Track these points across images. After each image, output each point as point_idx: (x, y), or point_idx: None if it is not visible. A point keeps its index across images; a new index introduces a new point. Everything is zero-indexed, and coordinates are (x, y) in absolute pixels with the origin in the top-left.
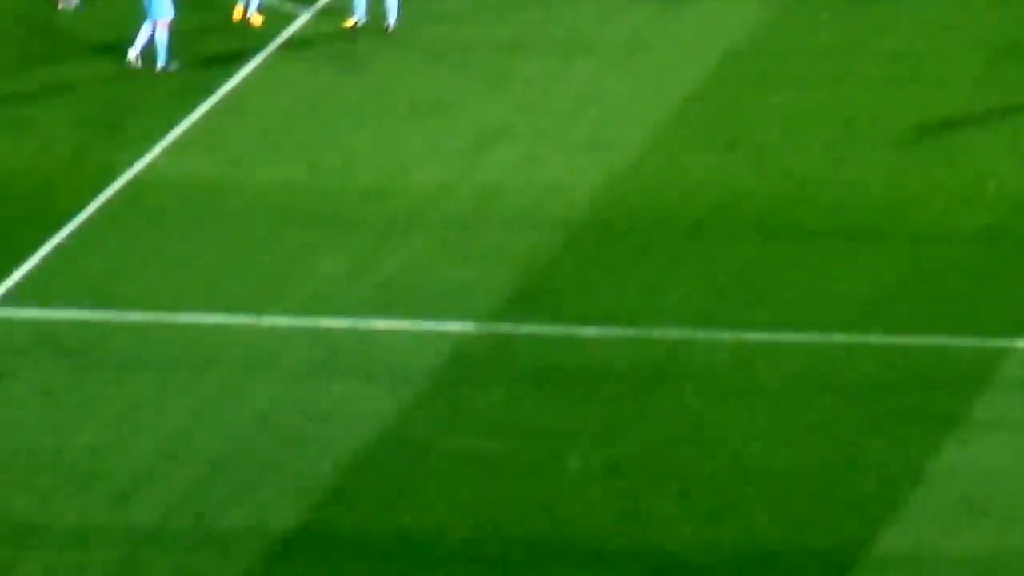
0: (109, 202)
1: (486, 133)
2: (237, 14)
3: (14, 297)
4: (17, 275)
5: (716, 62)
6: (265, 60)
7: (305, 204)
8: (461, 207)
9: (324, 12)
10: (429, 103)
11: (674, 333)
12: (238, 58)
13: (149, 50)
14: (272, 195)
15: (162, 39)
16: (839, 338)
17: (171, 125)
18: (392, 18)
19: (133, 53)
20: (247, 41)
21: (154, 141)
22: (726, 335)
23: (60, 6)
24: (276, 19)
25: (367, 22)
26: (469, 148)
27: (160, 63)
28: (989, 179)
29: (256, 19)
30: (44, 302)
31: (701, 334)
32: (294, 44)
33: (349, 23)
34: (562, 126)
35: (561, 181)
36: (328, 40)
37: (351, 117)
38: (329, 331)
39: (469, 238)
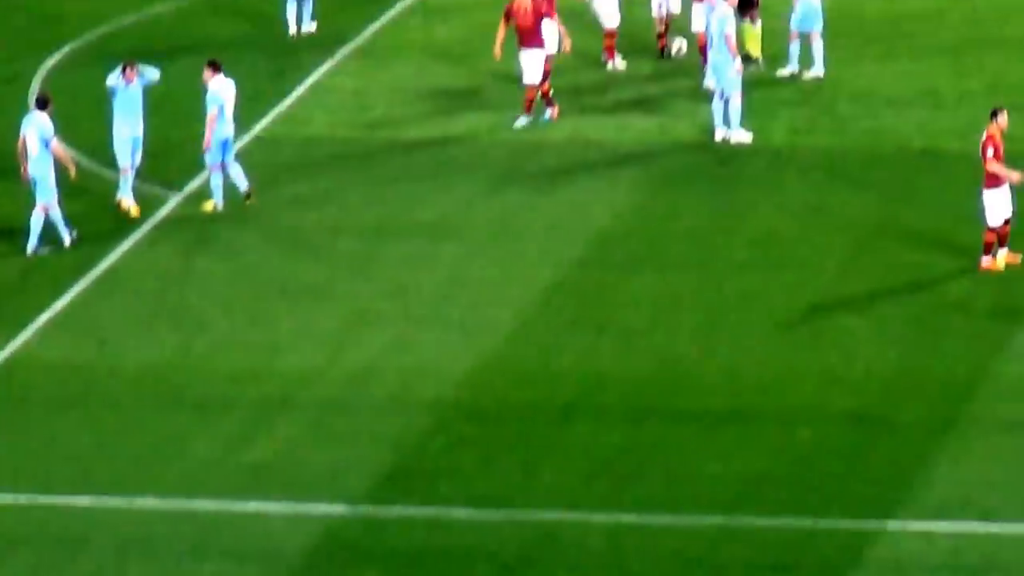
0: None
1: (356, 316)
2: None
3: None
4: None
5: (583, 246)
6: (136, 243)
7: (177, 386)
8: (332, 390)
9: (193, 196)
10: (299, 287)
11: (545, 515)
12: (110, 241)
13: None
14: (144, 377)
15: (37, 222)
16: (710, 520)
17: (43, 307)
18: (244, 185)
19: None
20: (118, 224)
21: (26, 323)
22: (597, 518)
23: None
24: (146, 203)
25: (224, 207)
26: (339, 331)
27: (32, 246)
28: (857, 361)
29: (133, 209)
30: None
31: (572, 516)
32: (164, 228)
33: (208, 206)
34: (431, 310)
35: (431, 364)
36: (198, 224)
37: (222, 300)
38: (201, 513)
39: (340, 421)
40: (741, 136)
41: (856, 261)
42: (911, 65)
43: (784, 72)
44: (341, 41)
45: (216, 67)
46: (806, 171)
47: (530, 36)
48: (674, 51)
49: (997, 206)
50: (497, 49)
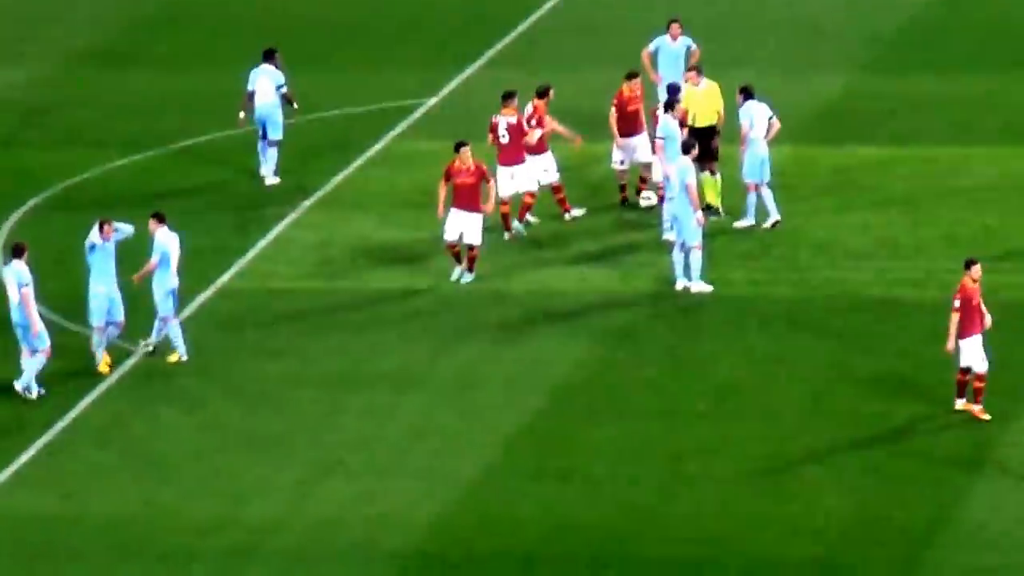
0: None
1: (319, 466)
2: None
3: None
4: None
5: (545, 396)
6: (101, 396)
7: (142, 538)
8: (296, 540)
9: (157, 348)
10: (263, 437)
11: None
12: (76, 394)
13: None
14: (109, 529)
15: (34, 364)
16: None
17: (8, 461)
18: (154, 339)
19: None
20: (85, 377)
21: None
22: None
23: None
24: (112, 354)
25: (190, 359)
26: (303, 482)
27: (22, 384)
28: (818, 510)
29: (103, 363)
30: None
31: None
32: (130, 380)
33: (172, 358)
34: (394, 459)
35: (395, 514)
36: (163, 376)
37: (186, 451)
38: None
39: (305, 571)
40: (702, 287)
41: (816, 410)
42: (868, 216)
43: (743, 223)
44: (304, 192)
45: (161, 219)
46: (767, 321)
47: (470, 198)
48: (643, 203)
49: (966, 353)
50: (440, 209)
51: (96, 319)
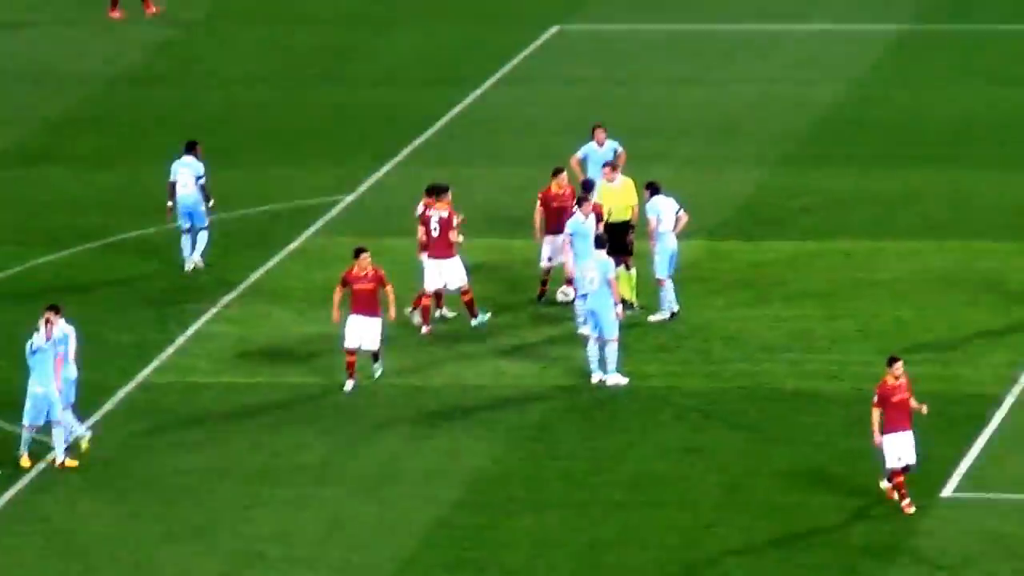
0: None
1: (239, 559)
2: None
3: None
4: None
5: (462, 488)
6: (21, 491)
7: None
8: None
9: (78, 442)
10: (182, 530)
11: None
12: None
13: None
14: None
15: None
16: None
17: None
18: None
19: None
20: (6, 466)
21: None
22: None
23: None
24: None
25: (112, 452)
26: (224, 574)
27: None
28: None
29: (24, 459)
30: None
31: None
32: (50, 474)
33: (83, 444)
34: (313, 552)
35: None
36: (83, 470)
37: (107, 545)
38: None
39: None
40: (617, 379)
41: (732, 500)
42: (782, 309)
43: (656, 317)
44: (224, 287)
45: (57, 311)
46: (681, 413)
47: (368, 303)
48: (560, 297)
49: (893, 449)
50: (335, 314)
51: (30, 419)
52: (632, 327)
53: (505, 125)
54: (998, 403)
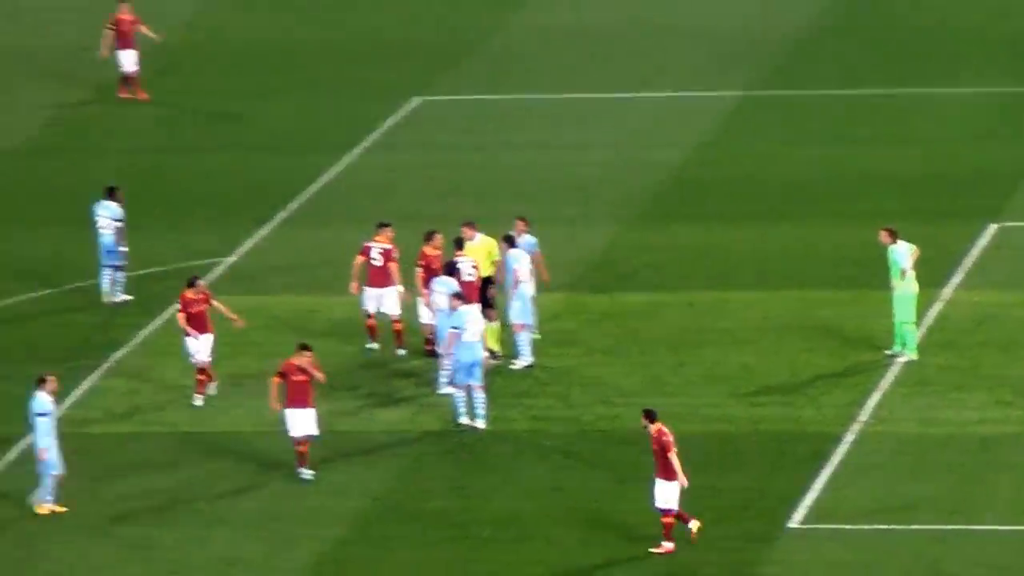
0: None
1: None
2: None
3: None
4: None
5: (345, 526)
6: None
7: None
8: None
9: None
10: (84, 570)
11: None
12: None
13: None
14: None
15: None
16: None
17: None
18: None
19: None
20: None
21: None
22: None
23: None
24: None
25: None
26: None
27: None
28: None
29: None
30: None
31: None
32: None
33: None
34: None
35: None
36: None
37: None
38: None
39: None
40: (480, 424)
41: (592, 536)
42: (636, 357)
43: (518, 364)
44: (116, 345)
45: None
46: (545, 455)
47: (303, 395)
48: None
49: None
50: (273, 404)
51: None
52: (496, 375)
53: (372, 189)
54: (838, 440)
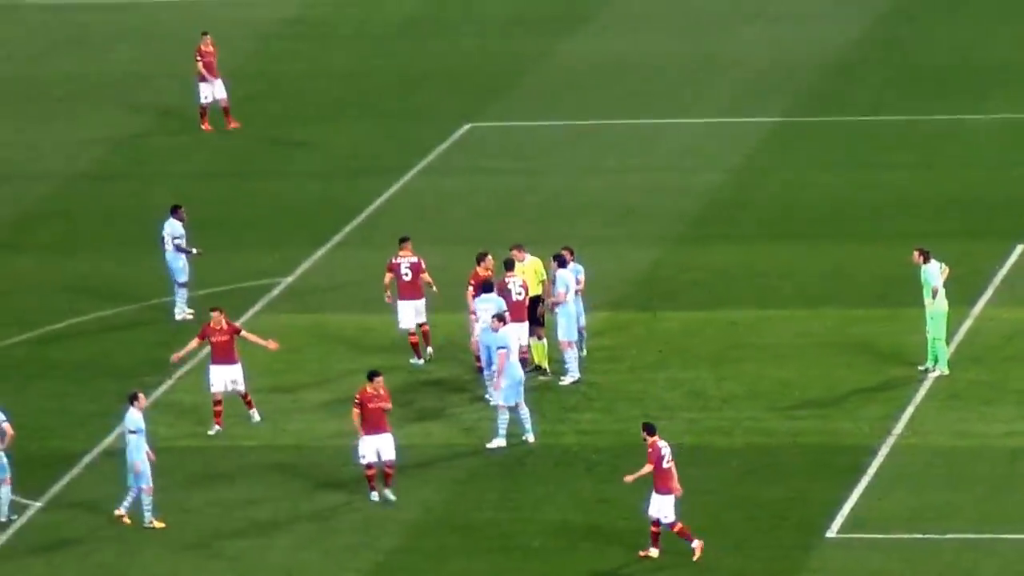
0: None
1: None
2: None
3: None
4: None
5: (400, 536)
6: None
7: None
8: None
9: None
10: None
11: None
12: None
13: None
14: None
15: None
16: None
17: None
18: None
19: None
20: None
21: None
22: None
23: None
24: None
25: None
26: None
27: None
28: None
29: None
30: None
31: None
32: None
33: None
34: None
35: None
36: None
37: None
38: None
39: None
40: (530, 437)
41: (639, 544)
42: (679, 373)
43: (566, 380)
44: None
45: None
46: (592, 467)
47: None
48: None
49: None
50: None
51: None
52: (546, 391)
53: (424, 212)
54: (874, 452)
